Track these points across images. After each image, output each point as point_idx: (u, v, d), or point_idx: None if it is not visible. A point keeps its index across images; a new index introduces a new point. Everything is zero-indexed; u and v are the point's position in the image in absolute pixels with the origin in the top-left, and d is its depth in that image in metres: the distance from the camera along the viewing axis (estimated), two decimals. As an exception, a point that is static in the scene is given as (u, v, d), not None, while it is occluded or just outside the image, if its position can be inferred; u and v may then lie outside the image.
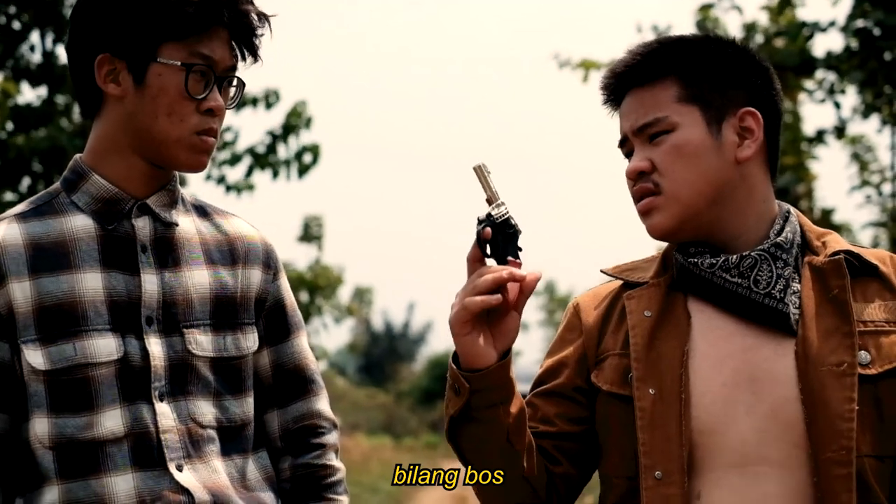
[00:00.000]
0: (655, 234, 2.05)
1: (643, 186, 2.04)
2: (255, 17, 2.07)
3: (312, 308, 19.45)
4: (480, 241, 1.95)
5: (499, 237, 1.97)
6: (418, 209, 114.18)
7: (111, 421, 2.00)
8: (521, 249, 1.98)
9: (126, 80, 2.04)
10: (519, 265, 1.96)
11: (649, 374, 2.00)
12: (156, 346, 2.05)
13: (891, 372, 1.97)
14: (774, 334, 1.99)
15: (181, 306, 2.08)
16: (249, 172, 10.45)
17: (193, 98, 2.03)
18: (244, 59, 2.12)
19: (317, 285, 19.38)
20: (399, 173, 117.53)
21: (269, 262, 2.22)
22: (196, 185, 14.45)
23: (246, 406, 2.14)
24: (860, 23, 9.56)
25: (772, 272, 1.99)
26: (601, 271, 2.18)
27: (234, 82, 2.13)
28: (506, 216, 1.99)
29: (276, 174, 10.37)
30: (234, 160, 10.42)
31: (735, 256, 2.00)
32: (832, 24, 9.79)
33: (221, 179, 10.54)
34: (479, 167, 1.99)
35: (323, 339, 19.43)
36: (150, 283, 2.07)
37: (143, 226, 2.09)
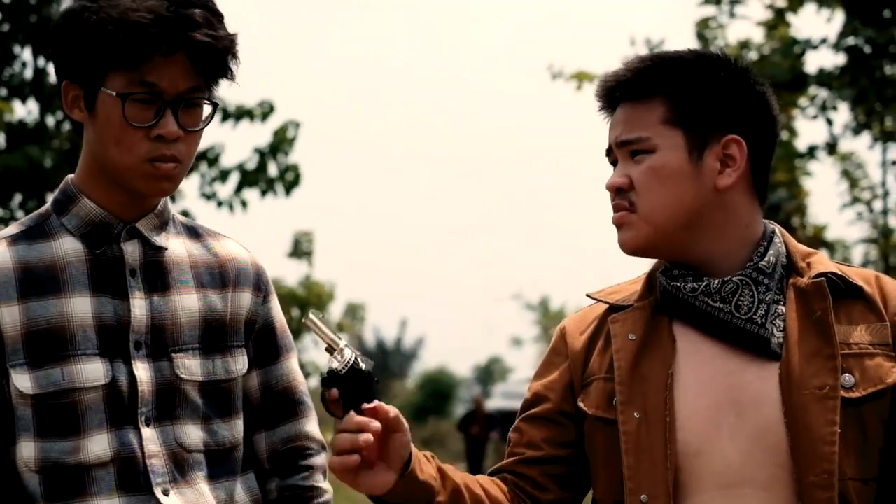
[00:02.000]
0: (625, 249, 2.06)
1: (619, 203, 2.04)
2: (213, 39, 2.02)
3: (303, 324, 19.46)
4: (329, 402, 1.90)
5: (348, 390, 1.90)
6: (411, 225, 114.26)
7: (98, 445, 2.00)
8: (377, 381, 1.93)
9: (83, 106, 2.07)
10: (374, 410, 1.87)
11: (634, 397, 2.00)
12: (143, 371, 2.05)
13: (875, 395, 1.96)
14: (758, 357, 1.99)
15: (170, 330, 2.08)
16: (239, 189, 10.46)
17: (136, 126, 2.01)
18: (210, 80, 2.08)
19: (307, 301, 19.38)
20: (391, 188, 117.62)
21: (259, 285, 2.21)
22: (190, 201, 14.46)
23: (235, 429, 2.14)
24: (851, 40, 9.60)
25: (753, 297, 2.00)
26: (587, 295, 2.20)
27: (204, 103, 2.09)
28: (350, 363, 1.91)
29: (264, 192, 10.39)
30: (223, 176, 10.42)
31: (717, 281, 2.00)
32: (824, 41, 9.83)
33: (212, 195, 10.54)
34: (310, 320, 1.91)
35: (314, 356, 19.41)
36: (139, 307, 2.07)
37: (132, 250, 2.09)
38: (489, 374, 70.40)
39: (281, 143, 10.36)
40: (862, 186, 11.61)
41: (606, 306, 2.15)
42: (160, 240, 2.12)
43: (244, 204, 10.56)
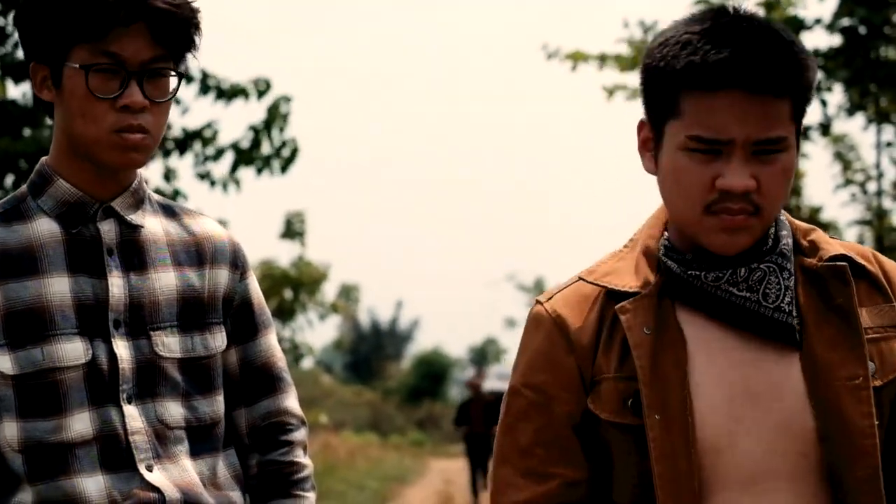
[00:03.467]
0: (729, 252, 1.87)
1: (743, 206, 1.83)
2: (173, 7, 2.03)
3: (297, 305, 19.44)
4: None
5: None
6: (406, 206, 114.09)
7: (80, 424, 2.03)
8: None
9: (51, 86, 2.09)
10: None
11: (655, 399, 1.85)
12: (123, 349, 2.07)
13: (893, 381, 1.91)
14: (774, 345, 1.90)
15: (148, 308, 2.10)
16: (234, 168, 10.44)
17: (101, 97, 2.02)
18: (174, 50, 2.08)
19: (300, 282, 19.36)
20: (386, 169, 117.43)
21: (236, 262, 2.22)
22: (184, 181, 14.42)
23: (216, 405, 2.15)
24: (846, 21, 9.58)
25: (780, 284, 1.89)
26: (581, 279, 1.97)
27: (170, 74, 2.10)
28: None
29: (260, 170, 10.36)
30: (217, 155, 10.41)
31: (743, 270, 1.88)
32: (818, 21, 9.81)
33: (206, 175, 10.52)
34: None
35: (309, 337, 19.41)
36: (117, 286, 2.08)
37: (108, 229, 2.11)
38: (484, 355, 70.46)
39: (274, 119, 10.34)
40: (855, 168, 11.60)
41: (598, 290, 1.95)
42: (136, 218, 2.13)
43: (238, 183, 10.55)
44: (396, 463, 26.82)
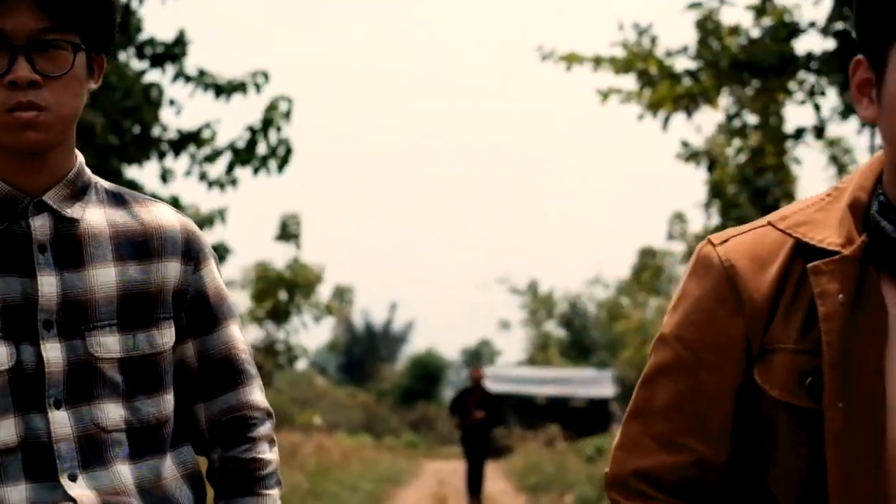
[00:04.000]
0: None
1: None
2: None
3: (291, 306, 19.45)
4: None
5: None
6: (402, 208, 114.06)
7: (4, 431, 1.95)
8: None
9: None
10: None
11: (842, 384, 1.52)
12: (52, 352, 1.97)
13: None
14: None
15: (83, 307, 1.99)
16: (230, 169, 10.46)
17: None
18: (64, 21, 1.91)
19: (295, 284, 19.37)
20: (380, 172, 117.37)
21: (189, 253, 2.09)
22: (179, 183, 14.43)
23: (162, 404, 2.04)
24: (840, 24, 9.60)
25: None
26: (770, 224, 1.62)
27: (66, 46, 1.93)
28: None
29: (256, 170, 10.38)
30: (214, 156, 10.42)
31: None
32: (812, 25, 9.83)
33: (203, 176, 10.54)
34: None
35: (303, 338, 19.40)
36: (48, 284, 1.98)
37: (40, 224, 1.99)
38: (478, 356, 70.47)
39: (272, 119, 10.35)
40: (850, 172, 11.61)
41: (789, 240, 1.60)
42: (73, 211, 2.00)
43: (234, 182, 10.57)
44: (390, 464, 26.82)
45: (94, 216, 2.02)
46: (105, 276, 2.00)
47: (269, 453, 2.14)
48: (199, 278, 2.11)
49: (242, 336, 2.16)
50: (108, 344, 1.99)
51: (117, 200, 2.07)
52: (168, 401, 2.05)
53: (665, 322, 1.64)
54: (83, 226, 2.00)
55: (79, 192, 2.02)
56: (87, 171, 2.05)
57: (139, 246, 2.04)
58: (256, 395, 2.15)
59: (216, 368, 2.11)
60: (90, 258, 1.99)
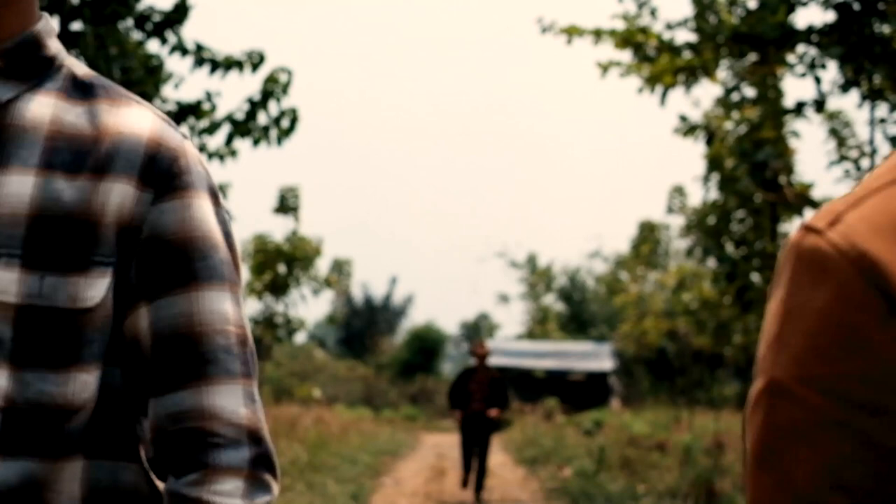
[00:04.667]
0: None
1: None
2: None
3: (290, 279, 19.45)
4: None
5: None
6: (400, 183, 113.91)
7: None
8: None
9: None
10: None
11: None
12: None
13: None
14: None
15: None
16: (229, 140, 10.45)
17: None
18: None
19: (294, 257, 19.37)
20: (379, 146, 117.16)
21: (150, 173, 1.45)
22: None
23: (72, 385, 1.41)
24: (840, -3, 9.58)
25: None
26: None
27: None
28: None
29: (256, 142, 10.37)
30: (213, 128, 10.41)
31: None
32: (813, -3, 9.81)
33: (202, 148, 10.53)
34: None
35: (302, 311, 19.44)
36: None
37: None
38: (476, 330, 70.59)
39: (272, 90, 10.34)
40: (849, 145, 11.62)
41: None
42: (4, 91, 1.46)
43: (234, 154, 10.57)
44: (389, 437, 26.90)
45: (37, 106, 1.46)
46: (18, 186, 1.41)
47: (231, 498, 1.40)
48: (160, 213, 1.45)
49: (227, 311, 1.46)
50: (2, 280, 1.39)
51: (83, 92, 1.50)
52: (84, 383, 1.42)
53: (768, 362, 1.01)
54: (13, 115, 1.45)
55: (21, 68, 1.47)
56: (53, 46, 1.52)
57: (80, 154, 1.45)
58: (227, 400, 1.43)
59: (169, 350, 1.44)
60: (6, 158, 1.43)
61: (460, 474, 15.50)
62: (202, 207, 1.48)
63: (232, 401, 1.43)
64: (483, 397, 15.09)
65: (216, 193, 1.53)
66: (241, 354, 1.46)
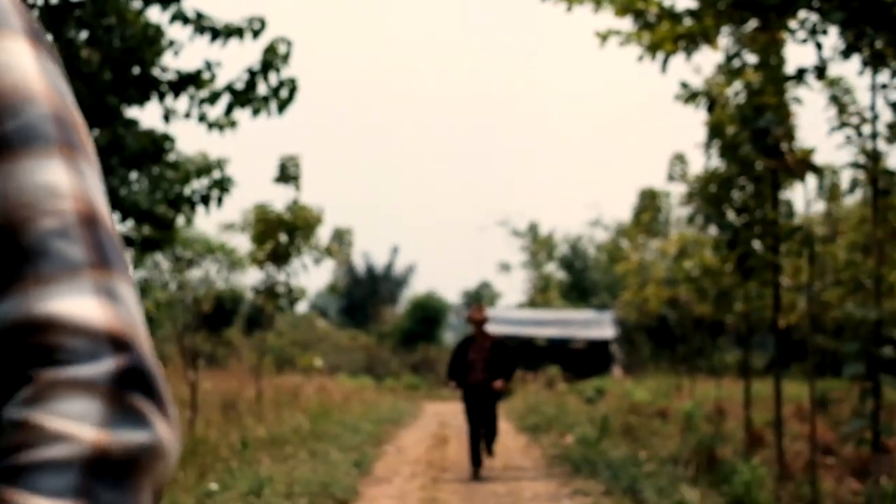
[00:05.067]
0: None
1: None
2: None
3: (291, 249, 19.45)
4: None
5: None
6: (401, 151, 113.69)
7: None
8: None
9: None
10: None
11: None
12: None
13: None
14: None
15: None
16: (229, 111, 10.43)
17: None
18: None
19: (295, 226, 19.37)
20: (381, 116, 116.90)
21: None
22: (179, 124, 14.40)
23: None
24: (842, -38, 9.54)
25: None
26: None
27: None
28: None
29: (256, 111, 10.35)
30: (213, 98, 10.39)
31: None
32: (814, -38, 9.76)
33: (202, 118, 10.52)
34: None
35: (304, 281, 19.42)
36: None
37: None
38: (478, 299, 70.65)
39: (272, 61, 10.31)
40: (850, 112, 11.57)
41: None
42: None
43: (233, 125, 10.56)
44: (391, 406, 26.98)
45: None
46: None
47: (76, 423, 0.94)
48: None
49: (57, 182, 1.05)
50: None
51: None
52: None
53: None
54: None
55: None
56: None
57: None
58: (70, 301, 1.00)
59: None
60: None
61: (469, 454, 13.98)
62: (8, 50, 1.08)
63: (77, 301, 1.00)
64: (485, 366, 13.98)
65: (38, 36, 1.12)
66: (87, 237, 1.03)
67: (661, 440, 16.71)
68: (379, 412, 23.81)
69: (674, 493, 10.19)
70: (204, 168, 11.10)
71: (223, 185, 11.05)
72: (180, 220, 11.26)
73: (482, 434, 14.27)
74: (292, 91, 10.36)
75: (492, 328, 22.85)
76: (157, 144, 10.55)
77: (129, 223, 10.87)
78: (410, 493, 11.56)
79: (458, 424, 23.16)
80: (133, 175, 10.49)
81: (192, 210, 11.04)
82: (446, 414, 27.43)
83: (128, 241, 11.00)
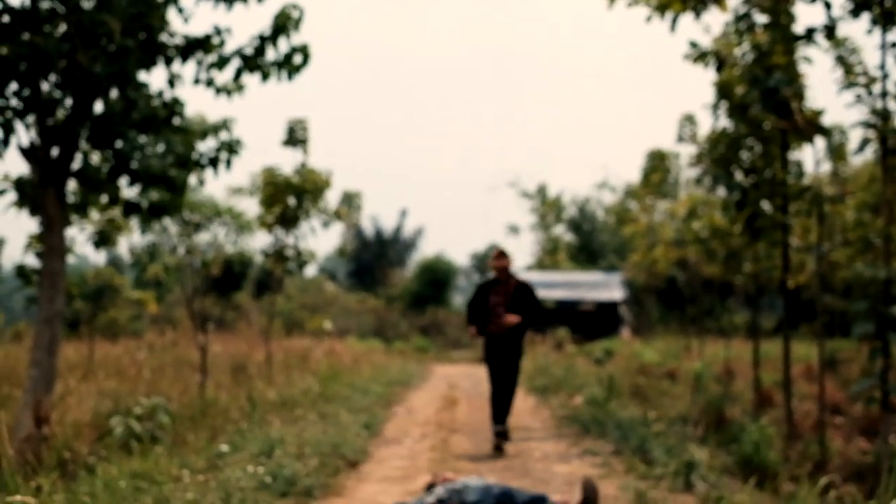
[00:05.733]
0: None
1: None
2: None
3: (300, 212, 19.46)
4: None
5: None
6: (409, 115, 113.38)
7: None
8: None
9: None
10: None
11: None
12: None
13: None
14: None
15: None
16: (238, 75, 10.41)
17: None
18: None
19: (303, 189, 19.35)
20: (390, 77, 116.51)
21: None
22: (186, 88, 14.36)
23: None
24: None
25: None
26: None
27: None
28: None
29: (265, 76, 10.33)
30: (222, 63, 10.38)
31: None
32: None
33: (210, 82, 10.50)
34: None
35: (312, 244, 19.41)
36: None
37: None
38: (487, 261, 70.68)
39: (283, 26, 10.28)
40: (856, 73, 11.51)
41: None
42: None
43: (241, 89, 10.55)
44: (401, 368, 27.05)
45: None
46: None
47: None
48: None
49: None
50: None
51: None
52: None
53: None
54: None
55: None
56: None
57: None
58: None
59: None
60: None
61: (490, 413, 12.53)
62: None
63: None
64: (508, 312, 12.39)
65: None
66: None
67: (670, 401, 16.75)
68: (388, 374, 23.89)
69: (682, 452, 10.23)
70: (210, 129, 11.09)
71: (232, 147, 11.05)
72: (192, 181, 11.24)
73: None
74: (305, 58, 10.33)
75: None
76: (169, 108, 10.55)
77: (136, 189, 10.87)
78: (421, 454, 11.61)
79: (468, 387, 23.22)
80: (142, 139, 10.49)
81: (203, 172, 11.04)
82: (455, 376, 27.48)
83: (135, 207, 11.00)
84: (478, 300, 12.60)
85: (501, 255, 12.83)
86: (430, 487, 8.76)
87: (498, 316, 12.36)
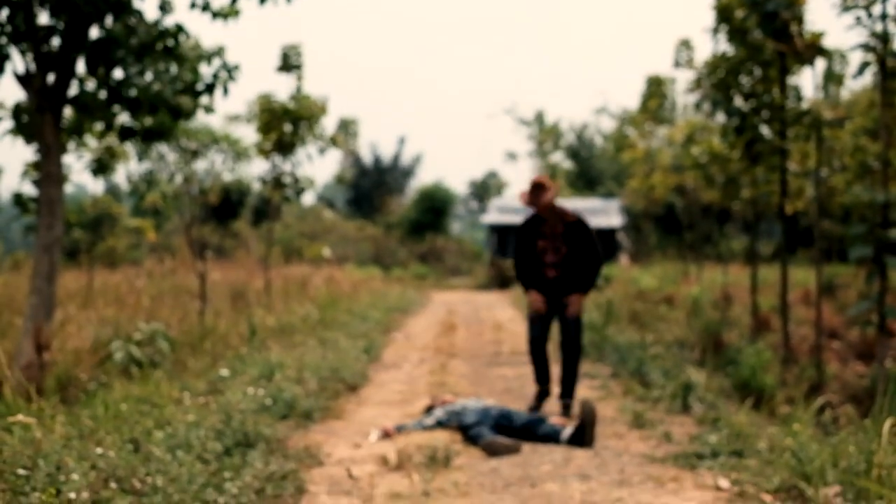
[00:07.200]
0: None
1: None
2: None
3: (296, 138, 19.38)
4: None
5: None
6: (406, 40, 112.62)
7: None
8: None
9: None
10: None
11: None
12: None
13: None
14: None
15: None
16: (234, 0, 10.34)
17: None
18: None
19: (299, 115, 19.26)
20: (389, 4, 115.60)
21: None
22: (181, 13, 14.26)
23: None
24: None
25: None
26: None
27: None
28: None
29: (263, 0, 10.26)
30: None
31: None
32: None
33: (206, 7, 10.42)
34: None
35: (309, 171, 19.35)
36: None
37: None
38: (485, 188, 70.61)
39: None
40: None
41: None
42: None
43: (237, 14, 10.48)
44: (399, 295, 27.13)
45: None
46: None
47: None
48: None
49: None
50: None
51: None
52: None
53: None
54: None
55: None
56: None
57: None
58: None
59: None
60: None
61: (535, 390, 9.62)
62: None
63: None
64: (561, 259, 9.26)
65: None
66: None
67: (668, 325, 16.82)
68: (387, 301, 23.96)
69: (680, 375, 10.30)
70: (207, 56, 11.03)
71: (229, 73, 10.99)
72: (200, 109, 11.18)
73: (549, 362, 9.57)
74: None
75: (498, 217, 20.14)
76: (168, 34, 10.47)
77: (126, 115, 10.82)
78: (419, 378, 11.69)
79: (466, 312, 23.31)
80: (140, 67, 10.42)
81: (200, 98, 10.99)
82: (454, 303, 27.57)
83: (130, 131, 10.96)
84: (523, 248, 9.38)
85: (539, 187, 9.26)
86: (429, 410, 8.84)
87: (549, 267, 9.24)
